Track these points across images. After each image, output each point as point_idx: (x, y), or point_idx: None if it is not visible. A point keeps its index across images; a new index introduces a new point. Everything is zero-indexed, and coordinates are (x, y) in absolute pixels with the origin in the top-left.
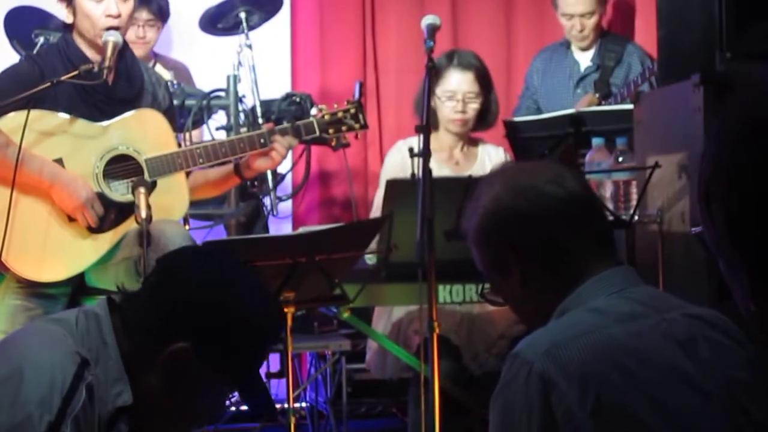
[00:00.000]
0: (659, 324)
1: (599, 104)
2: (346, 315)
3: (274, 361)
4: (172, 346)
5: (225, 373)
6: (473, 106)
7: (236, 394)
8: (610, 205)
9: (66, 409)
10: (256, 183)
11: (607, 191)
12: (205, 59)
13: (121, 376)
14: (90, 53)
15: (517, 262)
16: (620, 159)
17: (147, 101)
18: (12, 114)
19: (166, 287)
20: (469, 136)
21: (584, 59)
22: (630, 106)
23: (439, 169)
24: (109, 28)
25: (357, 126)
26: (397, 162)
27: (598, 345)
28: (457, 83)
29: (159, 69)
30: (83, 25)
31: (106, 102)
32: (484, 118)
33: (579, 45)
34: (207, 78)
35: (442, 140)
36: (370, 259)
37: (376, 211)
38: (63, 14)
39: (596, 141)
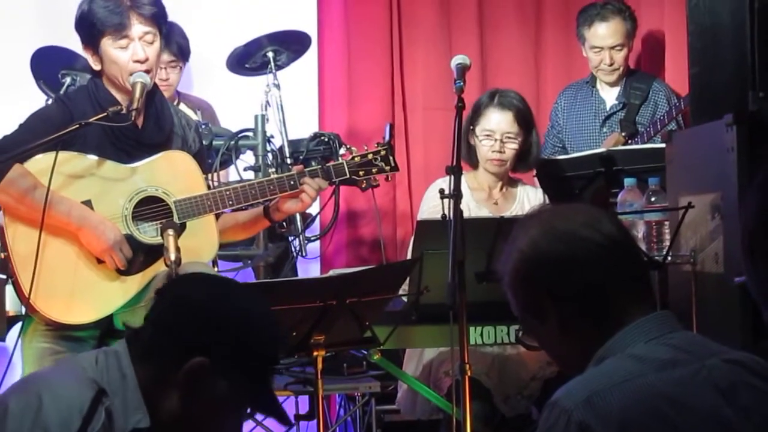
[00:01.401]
0: (699, 371)
1: (626, 143)
2: (376, 357)
3: (303, 403)
4: (188, 363)
5: (241, 384)
6: (511, 147)
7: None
8: (643, 246)
9: (86, 429)
10: (284, 224)
11: (640, 232)
12: (224, 97)
13: (140, 405)
14: (120, 96)
15: (554, 307)
16: (652, 199)
17: (177, 145)
18: (40, 156)
19: (171, 311)
20: (509, 177)
21: (610, 97)
22: (661, 145)
23: (478, 209)
24: (135, 72)
25: (387, 168)
26: (436, 203)
27: (638, 393)
28: (496, 123)
29: (184, 108)
30: (111, 72)
31: (135, 146)
32: (524, 159)
33: (607, 79)
34: (228, 116)
35: (481, 179)
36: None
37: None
38: (90, 61)
39: (628, 181)
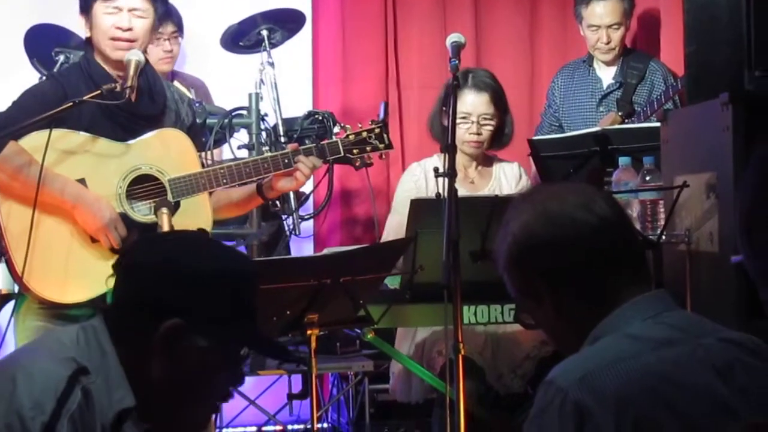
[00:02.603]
0: (695, 350)
1: (622, 123)
2: (370, 336)
3: (296, 382)
4: (162, 327)
5: (220, 335)
6: (488, 128)
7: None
8: (638, 225)
9: (61, 410)
10: (278, 203)
11: (635, 211)
12: (218, 76)
13: (122, 382)
14: (111, 71)
15: (548, 290)
16: (647, 178)
17: (170, 118)
18: (35, 133)
19: (130, 281)
20: (484, 155)
21: (607, 77)
22: (656, 124)
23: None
24: (116, 39)
25: (382, 146)
26: (410, 188)
27: (634, 372)
28: (473, 105)
29: (177, 86)
30: (96, 37)
31: (129, 119)
32: (499, 138)
33: (604, 58)
34: (222, 95)
35: (457, 160)
36: (391, 282)
37: (389, 236)
38: (82, 28)
39: (623, 160)
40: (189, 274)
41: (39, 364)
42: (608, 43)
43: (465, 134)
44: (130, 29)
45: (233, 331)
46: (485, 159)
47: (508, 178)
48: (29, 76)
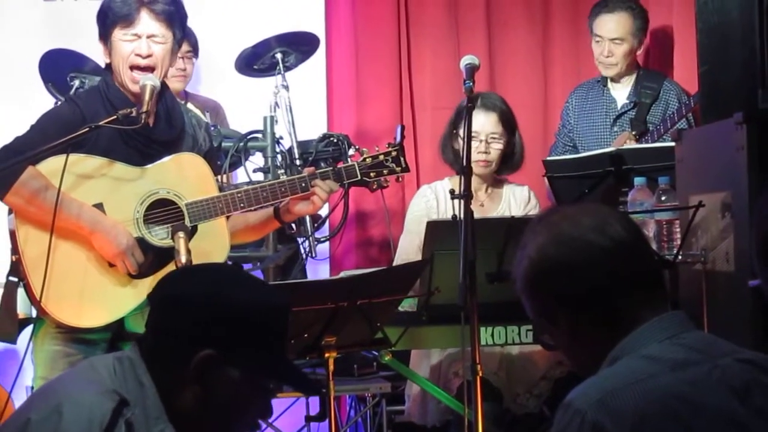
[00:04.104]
0: (713, 371)
1: (636, 142)
2: (387, 358)
3: (314, 404)
4: (195, 358)
5: (252, 366)
6: (496, 147)
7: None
8: (654, 245)
9: None
10: (294, 226)
11: (650, 231)
12: (232, 99)
13: (161, 413)
14: (130, 95)
15: (563, 312)
16: (663, 198)
17: (188, 144)
18: (52, 158)
19: (164, 312)
20: (494, 178)
21: (621, 96)
22: (671, 144)
23: None
24: (134, 67)
25: (398, 169)
26: (421, 208)
27: (652, 393)
28: (481, 124)
29: (192, 108)
30: (114, 63)
31: (146, 144)
32: (508, 161)
33: (606, 73)
34: (237, 118)
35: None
36: (404, 303)
37: (401, 255)
38: (101, 55)
39: (638, 180)
40: (227, 307)
41: (84, 397)
42: (609, 56)
43: (474, 153)
44: (149, 55)
45: (265, 363)
46: (495, 182)
47: (517, 200)
48: (45, 102)
